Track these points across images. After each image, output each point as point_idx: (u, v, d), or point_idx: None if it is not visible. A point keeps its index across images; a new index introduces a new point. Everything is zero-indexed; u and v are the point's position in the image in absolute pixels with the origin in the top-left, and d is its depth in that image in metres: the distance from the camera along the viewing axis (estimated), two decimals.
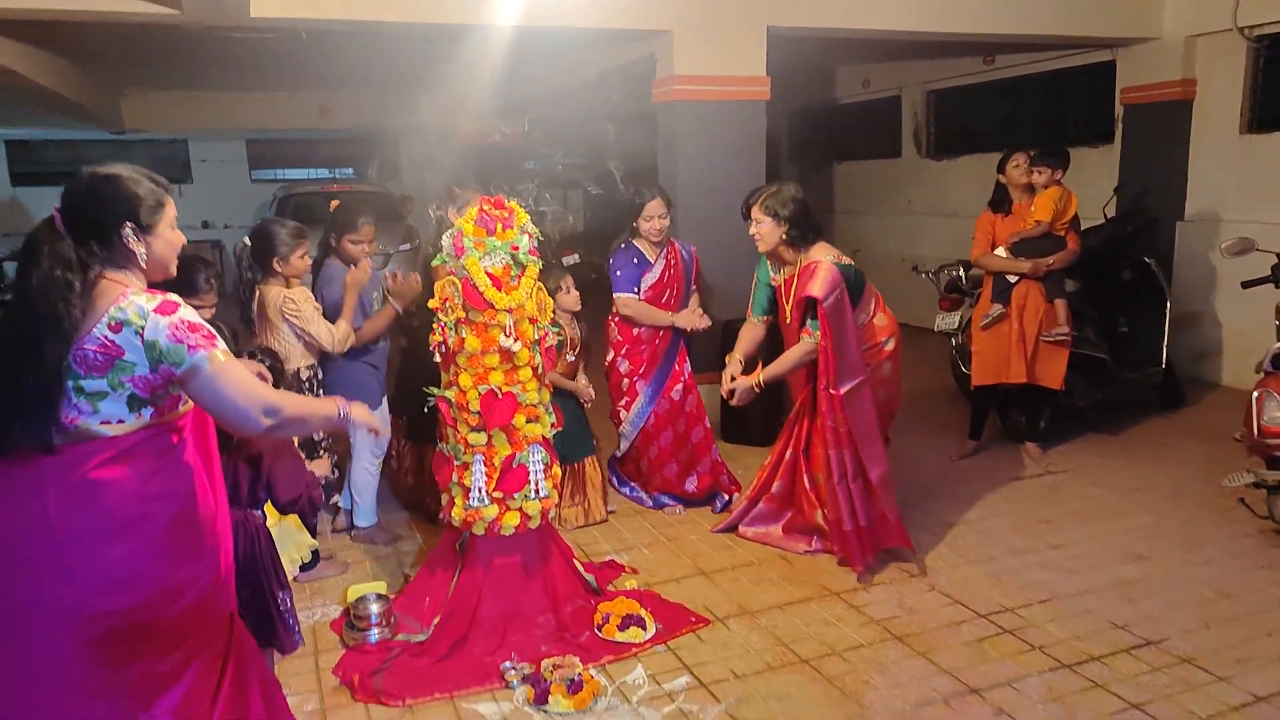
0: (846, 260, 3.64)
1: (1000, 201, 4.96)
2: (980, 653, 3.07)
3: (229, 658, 2.04)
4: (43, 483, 1.79)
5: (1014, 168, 4.83)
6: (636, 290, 4.26)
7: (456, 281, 3.12)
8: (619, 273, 4.29)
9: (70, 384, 1.79)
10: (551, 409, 3.34)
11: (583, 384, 4.29)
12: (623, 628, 3.22)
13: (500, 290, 3.08)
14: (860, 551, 3.59)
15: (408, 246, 9.37)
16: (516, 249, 3.12)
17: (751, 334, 4.02)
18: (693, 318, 4.29)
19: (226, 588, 2.07)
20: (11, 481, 1.80)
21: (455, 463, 3.22)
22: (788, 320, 3.82)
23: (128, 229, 1.87)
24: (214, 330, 1.90)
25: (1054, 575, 3.62)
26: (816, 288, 3.49)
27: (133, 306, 1.80)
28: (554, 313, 4.02)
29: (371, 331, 3.88)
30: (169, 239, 1.96)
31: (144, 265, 1.92)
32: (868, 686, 2.88)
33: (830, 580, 3.62)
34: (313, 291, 3.88)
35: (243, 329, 3.72)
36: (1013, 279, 4.80)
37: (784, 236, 3.67)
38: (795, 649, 3.12)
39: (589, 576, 3.49)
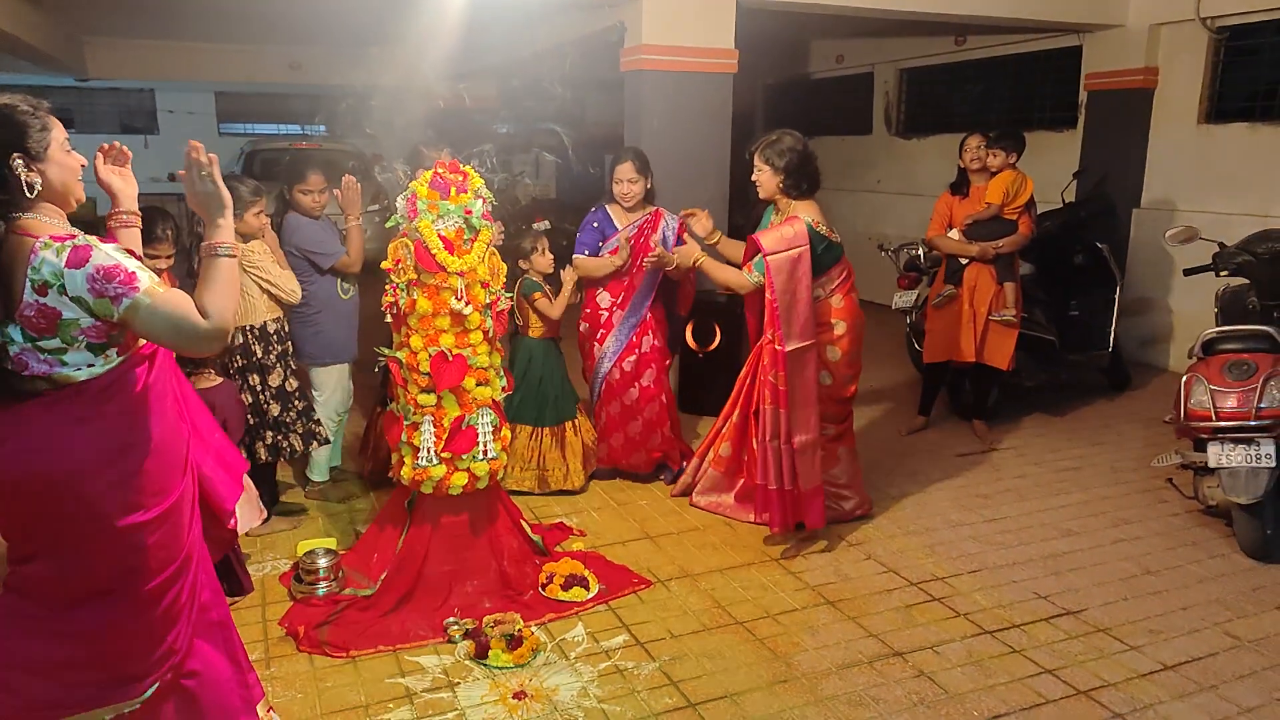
0: (825, 230, 3.65)
1: (960, 184, 5.04)
2: (907, 618, 3.20)
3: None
4: (31, 425, 1.80)
5: (969, 150, 4.91)
6: (586, 254, 4.31)
7: (409, 243, 3.15)
8: (579, 235, 4.34)
9: (27, 344, 1.77)
10: (502, 373, 3.40)
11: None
12: (566, 587, 3.30)
13: (452, 254, 3.11)
14: (780, 514, 3.64)
15: (376, 206, 9.33)
16: (470, 213, 3.15)
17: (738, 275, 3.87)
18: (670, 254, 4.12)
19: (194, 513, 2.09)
20: (7, 425, 1.81)
21: (405, 422, 3.27)
22: None
23: (17, 161, 1.77)
24: (136, 262, 1.81)
25: (986, 548, 3.76)
26: (768, 239, 3.55)
27: (46, 266, 1.73)
28: (529, 276, 4.20)
29: (357, 251, 3.99)
30: (64, 163, 1.86)
31: (44, 197, 1.83)
32: (797, 648, 3.00)
33: (770, 547, 3.73)
34: (282, 246, 3.93)
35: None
36: (964, 260, 4.90)
37: (780, 185, 3.70)
38: (731, 611, 3.23)
39: (536, 538, 3.57)
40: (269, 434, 3.76)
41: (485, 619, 3.06)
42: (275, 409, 3.77)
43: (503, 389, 3.40)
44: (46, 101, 1.88)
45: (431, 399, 3.20)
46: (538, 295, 4.17)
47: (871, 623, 3.16)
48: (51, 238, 1.77)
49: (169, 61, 11.58)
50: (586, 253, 4.31)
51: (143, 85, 13.89)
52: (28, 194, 1.80)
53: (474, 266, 3.14)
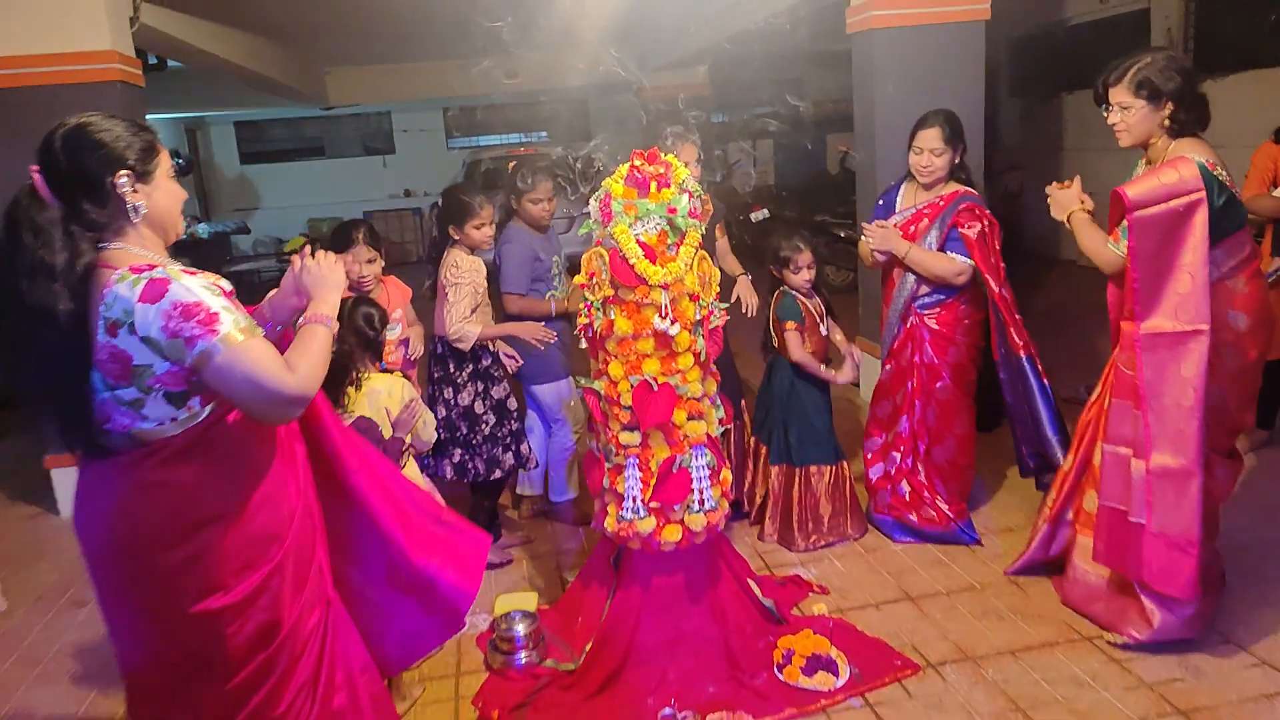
0: (1224, 176, 2.55)
1: None
2: None
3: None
4: (111, 484, 1.61)
5: None
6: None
7: (604, 253, 2.61)
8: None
9: (108, 394, 1.54)
10: (719, 402, 2.79)
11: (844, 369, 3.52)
12: (808, 671, 2.65)
13: (654, 263, 2.54)
14: (1113, 549, 2.66)
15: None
16: (674, 211, 2.56)
17: None
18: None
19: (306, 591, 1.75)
20: (90, 480, 1.64)
21: (606, 465, 2.75)
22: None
23: (123, 177, 1.58)
24: (224, 300, 1.55)
25: None
26: (1136, 188, 2.51)
27: (118, 303, 1.50)
28: (788, 294, 3.51)
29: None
30: (170, 190, 1.68)
31: (147, 222, 1.63)
32: None
33: (1080, 619, 2.86)
34: (496, 249, 3.63)
35: (429, 294, 3.58)
36: None
37: (1165, 122, 2.63)
38: (1033, 717, 2.43)
39: (768, 602, 2.93)
40: (457, 452, 3.44)
41: (710, 718, 2.47)
42: (463, 428, 3.44)
43: (720, 421, 2.80)
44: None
45: (635, 437, 2.65)
46: (790, 326, 3.45)
47: None
48: (131, 269, 1.54)
49: (399, 83, 12.05)
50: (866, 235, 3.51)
51: (380, 109, 14.66)
52: (131, 217, 1.61)
53: (680, 276, 2.55)
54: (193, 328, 1.48)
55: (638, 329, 2.58)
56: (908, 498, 3.51)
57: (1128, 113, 2.66)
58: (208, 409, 1.58)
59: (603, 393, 2.69)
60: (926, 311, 3.41)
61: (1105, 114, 2.70)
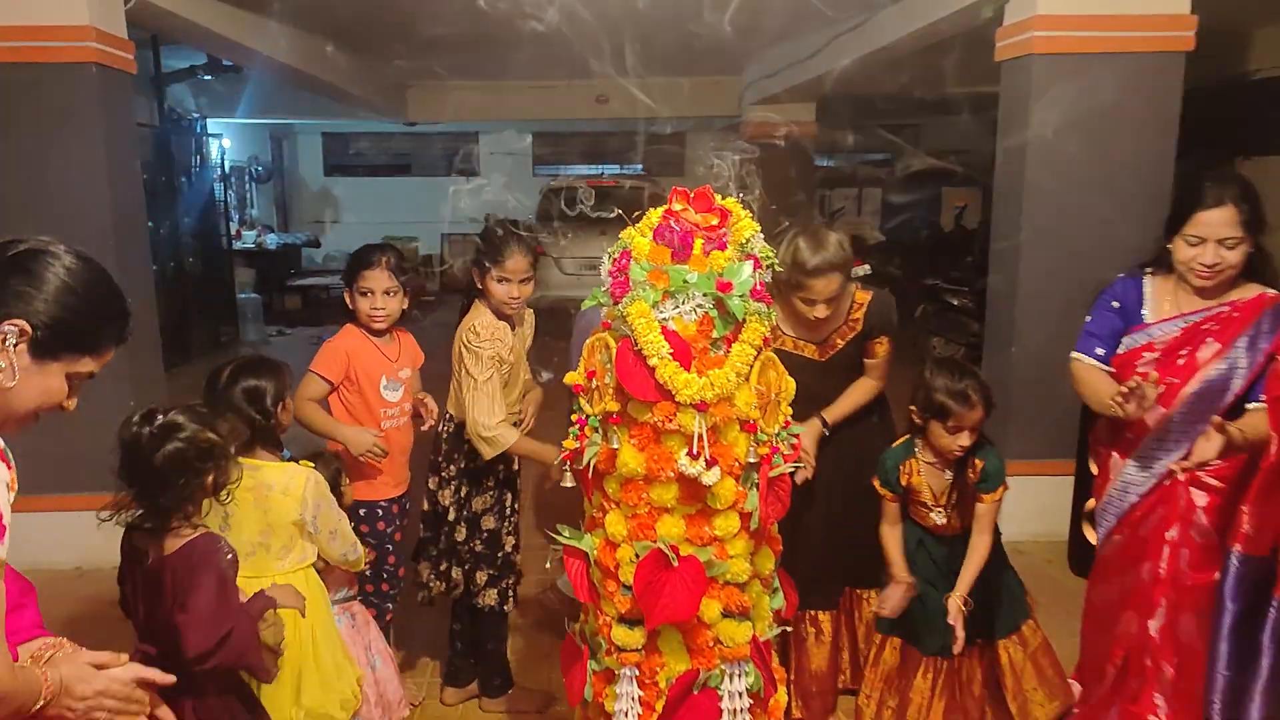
0: None
1: None
2: None
3: None
4: None
5: None
6: (1091, 358, 2.36)
7: (610, 343, 1.66)
8: (1088, 321, 2.40)
9: None
10: (778, 587, 1.80)
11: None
12: None
13: (688, 367, 1.58)
14: None
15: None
16: (728, 288, 1.60)
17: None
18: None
19: None
20: None
21: (590, 665, 1.78)
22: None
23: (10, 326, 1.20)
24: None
25: None
26: None
27: None
28: (917, 448, 2.33)
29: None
30: (47, 389, 1.26)
31: None
32: None
33: None
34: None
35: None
36: None
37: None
38: None
39: None
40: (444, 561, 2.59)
41: None
42: (475, 544, 2.56)
43: (776, 612, 1.80)
44: None
45: (638, 637, 1.67)
46: (884, 494, 2.40)
47: None
48: None
49: (483, 102, 11.46)
50: (1096, 353, 2.32)
51: (469, 129, 14.18)
52: None
53: (729, 393, 1.58)
54: None
55: (654, 468, 1.61)
56: None
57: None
58: None
59: (594, 556, 1.73)
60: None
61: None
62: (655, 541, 1.63)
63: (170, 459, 1.67)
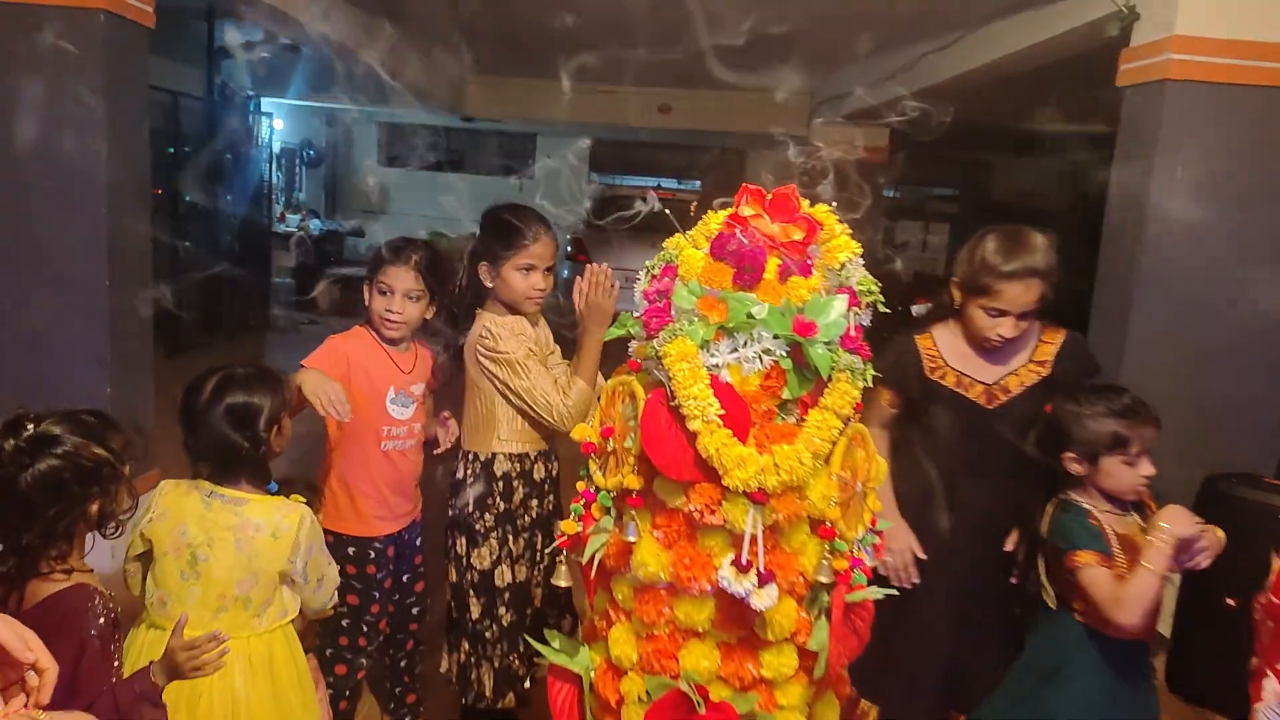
0: None
1: None
2: None
3: None
4: None
5: None
6: None
7: (638, 390, 1.19)
8: None
9: None
10: None
11: None
12: None
13: (744, 438, 1.10)
14: None
15: None
16: (810, 330, 1.11)
17: None
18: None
19: None
20: None
21: None
22: None
23: None
24: None
25: None
26: None
27: None
28: (1073, 501, 1.70)
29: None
30: None
31: None
32: None
33: None
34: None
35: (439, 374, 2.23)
36: None
37: None
38: None
39: None
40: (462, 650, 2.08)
41: None
42: (499, 611, 2.05)
43: None
44: None
45: None
46: (1088, 561, 1.63)
47: None
48: None
49: (541, 102, 11.15)
50: None
51: (527, 129, 13.92)
52: None
53: (801, 479, 1.09)
54: None
55: (684, 575, 1.13)
56: None
57: None
58: None
59: (591, 679, 1.26)
60: None
61: None
62: (676, 678, 1.15)
63: (40, 481, 1.25)
